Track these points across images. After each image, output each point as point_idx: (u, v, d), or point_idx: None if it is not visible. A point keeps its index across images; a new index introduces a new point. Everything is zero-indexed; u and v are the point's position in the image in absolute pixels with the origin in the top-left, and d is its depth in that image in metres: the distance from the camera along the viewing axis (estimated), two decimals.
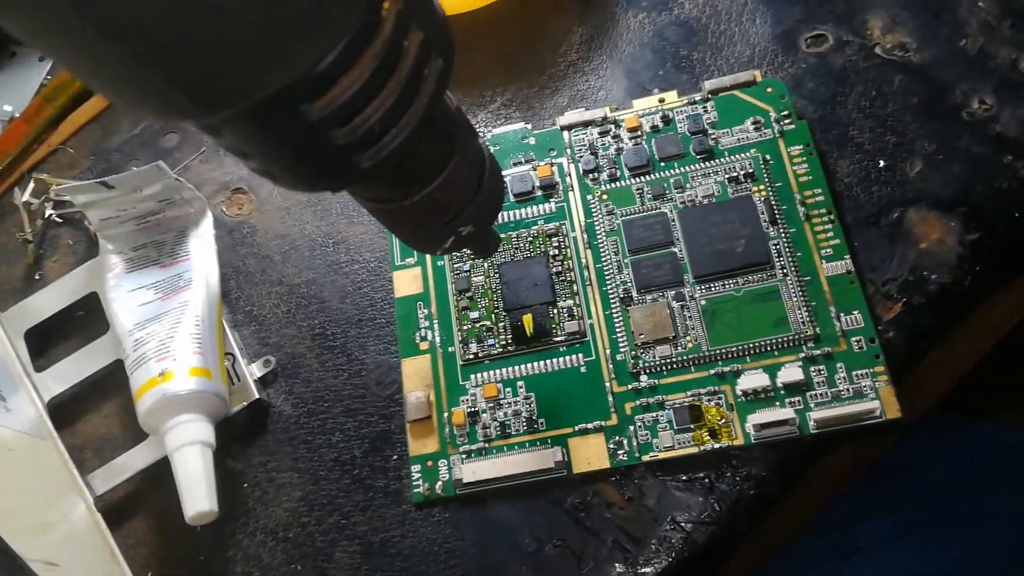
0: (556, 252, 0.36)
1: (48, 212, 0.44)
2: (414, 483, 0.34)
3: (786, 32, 0.39)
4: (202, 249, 0.40)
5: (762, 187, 0.35)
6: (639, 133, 0.37)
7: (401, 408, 0.36)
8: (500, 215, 0.37)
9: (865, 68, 0.37)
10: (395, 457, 0.36)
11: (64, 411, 0.40)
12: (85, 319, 0.41)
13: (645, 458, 0.32)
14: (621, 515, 0.32)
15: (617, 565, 0.32)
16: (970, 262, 0.33)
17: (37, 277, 0.43)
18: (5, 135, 0.46)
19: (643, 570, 0.32)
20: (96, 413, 0.40)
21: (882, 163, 0.35)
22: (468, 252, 0.37)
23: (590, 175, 0.37)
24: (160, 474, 0.36)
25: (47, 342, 0.41)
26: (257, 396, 0.37)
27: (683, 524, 0.32)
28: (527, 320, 0.35)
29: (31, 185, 0.45)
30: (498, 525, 0.33)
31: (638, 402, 0.33)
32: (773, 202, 0.35)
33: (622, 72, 0.40)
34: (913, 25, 0.37)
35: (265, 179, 0.21)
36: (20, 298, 0.42)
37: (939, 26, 0.37)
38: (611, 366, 0.34)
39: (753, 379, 0.32)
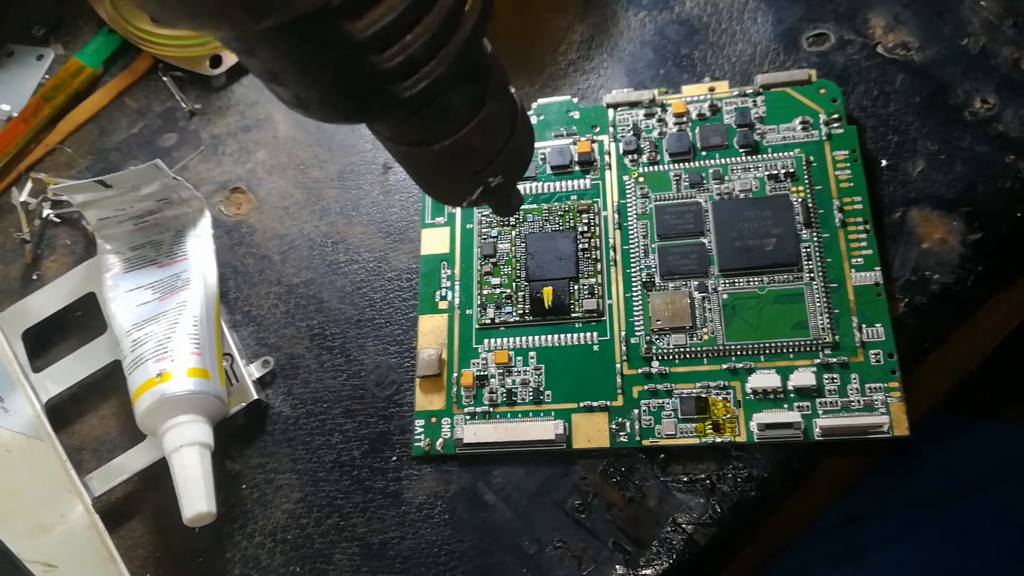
0: (585, 229, 0.36)
1: (46, 212, 0.44)
2: (416, 437, 0.35)
3: (787, 31, 0.38)
4: (200, 249, 0.40)
5: (801, 188, 0.34)
6: (684, 119, 0.37)
7: (401, 409, 0.36)
8: (535, 186, 0.37)
9: (867, 67, 0.37)
10: (394, 458, 0.35)
11: (62, 412, 0.39)
12: (83, 319, 0.41)
13: (645, 442, 0.32)
14: (622, 516, 0.32)
15: (618, 567, 0.32)
16: (972, 262, 0.33)
17: (35, 277, 0.43)
18: (3, 134, 0.46)
19: (644, 572, 0.31)
20: (94, 414, 0.39)
21: (884, 162, 0.35)
22: (498, 218, 0.37)
23: (630, 156, 0.37)
24: (158, 475, 0.36)
25: (45, 343, 0.41)
26: (256, 397, 0.37)
27: (684, 526, 0.32)
28: (547, 292, 0.35)
29: (29, 184, 0.45)
30: (498, 526, 0.33)
31: (646, 387, 0.33)
32: (810, 204, 0.34)
33: (623, 71, 0.40)
34: (915, 24, 0.37)
35: (297, 111, 0.21)
36: (18, 298, 0.41)
37: (941, 25, 0.36)
38: (624, 348, 0.34)
39: (764, 379, 0.32)
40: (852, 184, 0.34)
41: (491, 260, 0.37)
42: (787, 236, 0.34)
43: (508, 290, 0.36)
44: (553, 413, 0.34)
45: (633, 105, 0.38)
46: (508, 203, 0.30)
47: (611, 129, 0.38)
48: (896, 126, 0.36)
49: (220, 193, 0.43)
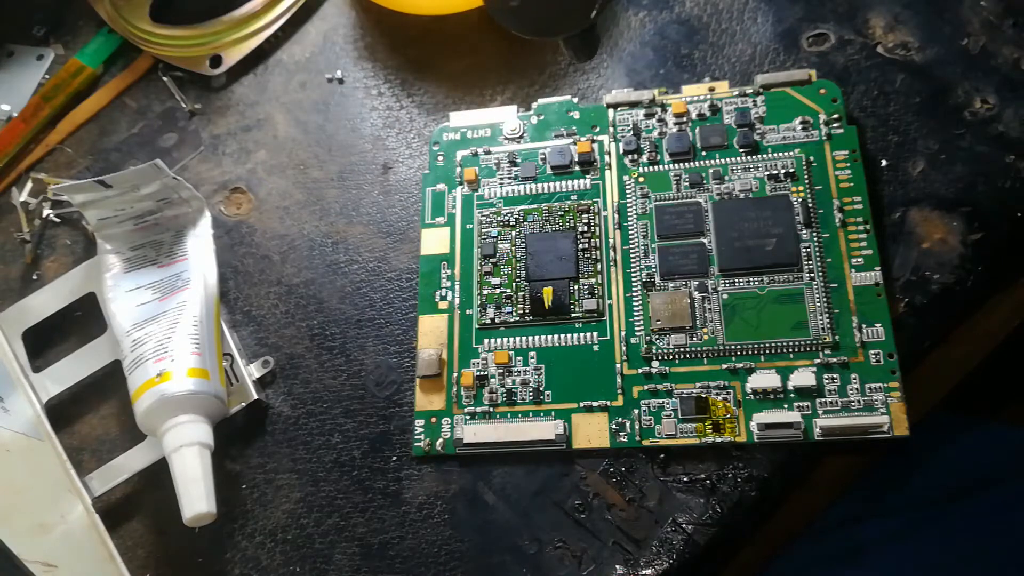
0: (585, 229, 0.36)
1: (46, 212, 0.44)
2: (416, 437, 0.35)
3: (787, 31, 0.38)
4: (200, 249, 0.40)
5: (801, 188, 0.34)
6: (684, 119, 0.37)
7: (401, 409, 0.36)
8: (535, 186, 0.38)
9: (867, 67, 0.37)
10: (394, 458, 0.35)
11: (62, 412, 0.39)
12: (83, 319, 0.41)
13: (645, 443, 0.32)
14: (622, 516, 0.32)
15: (618, 567, 0.32)
16: (972, 262, 0.33)
17: (35, 277, 0.43)
18: (3, 134, 0.46)
19: (644, 572, 0.31)
20: (94, 414, 0.39)
21: (884, 162, 0.35)
22: (498, 218, 0.37)
23: (630, 156, 0.37)
24: (158, 475, 0.35)
25: (45, 343, 0.41)
26: (256, 397, 0.37)
27: (684, 525, 0.32)
28: (547, 292, 0.35)
29: (29, 184, 0.45)
30: (498, 526, 0.33)
31: (646, 387, 0.33)
32: (810, 204, 0.34)
33: (623, 71, 0.40)
34: (915, 24, 0.37)
35: None
36: (18, 298, 0.41)
37: (941, 25, 0.36)
38: (624, 348, 0.34)
39: (764, 379, 0.32)
40: (852, 184, 0.34)
41: (491, 260, 0.37)
42: (787, 236, 0.34)
43: (508, 290, 0.36)
44: (553, 413, 0.34)
45: (633, 105, 0.38)
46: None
47: (611, 129, 0.38)
48: (896, 126, 0.36)
49: (220, 193, 0.43)
